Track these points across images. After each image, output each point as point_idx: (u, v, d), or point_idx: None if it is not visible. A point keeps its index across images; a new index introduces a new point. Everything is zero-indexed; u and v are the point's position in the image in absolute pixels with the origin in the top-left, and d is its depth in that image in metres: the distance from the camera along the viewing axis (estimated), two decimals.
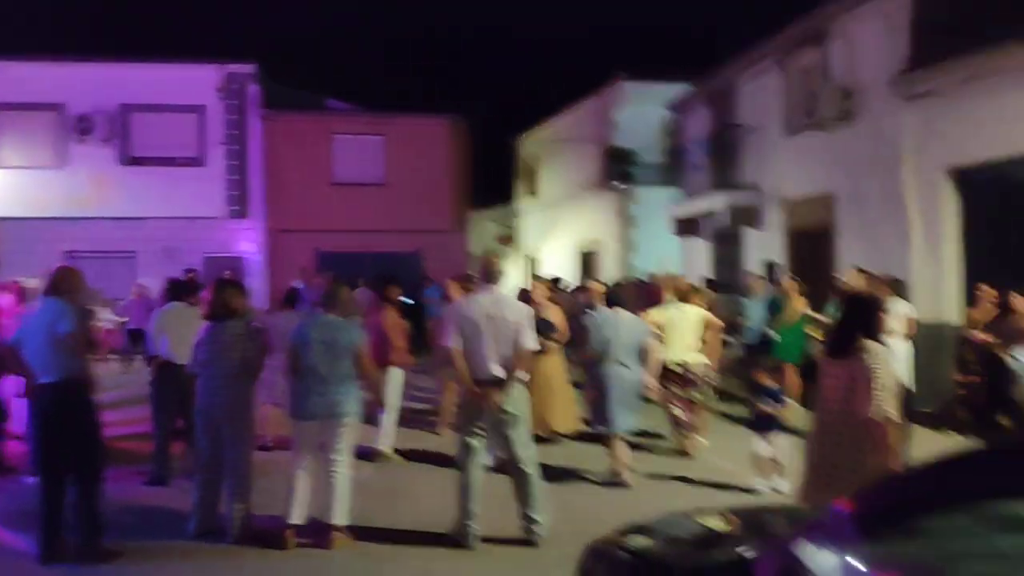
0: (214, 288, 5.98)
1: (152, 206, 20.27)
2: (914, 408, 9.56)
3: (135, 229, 20.25)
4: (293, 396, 5.75)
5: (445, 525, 5.89)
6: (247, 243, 21.18)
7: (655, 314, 8.48)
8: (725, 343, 13.20)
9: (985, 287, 9.52)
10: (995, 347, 8.96)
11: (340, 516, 5.69)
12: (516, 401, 5.79)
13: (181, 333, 7.03)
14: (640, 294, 15.85)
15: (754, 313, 12.11)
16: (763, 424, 7.10)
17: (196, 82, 20.65)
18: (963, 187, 10.67)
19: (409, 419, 9.57)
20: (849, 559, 1.80)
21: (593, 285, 9.52)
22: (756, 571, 1.92)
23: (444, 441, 8.87)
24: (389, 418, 8.33)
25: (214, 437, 5.77)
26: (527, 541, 5.75)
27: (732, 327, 12.78)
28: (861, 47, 12.38)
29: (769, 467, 7.03)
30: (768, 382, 7.11)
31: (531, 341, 5.85)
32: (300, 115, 22.04)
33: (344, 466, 5.75)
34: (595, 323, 7.57)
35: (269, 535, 5.68)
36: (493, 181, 30.84)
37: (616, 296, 7.97)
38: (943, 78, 10.50)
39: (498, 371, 5.67)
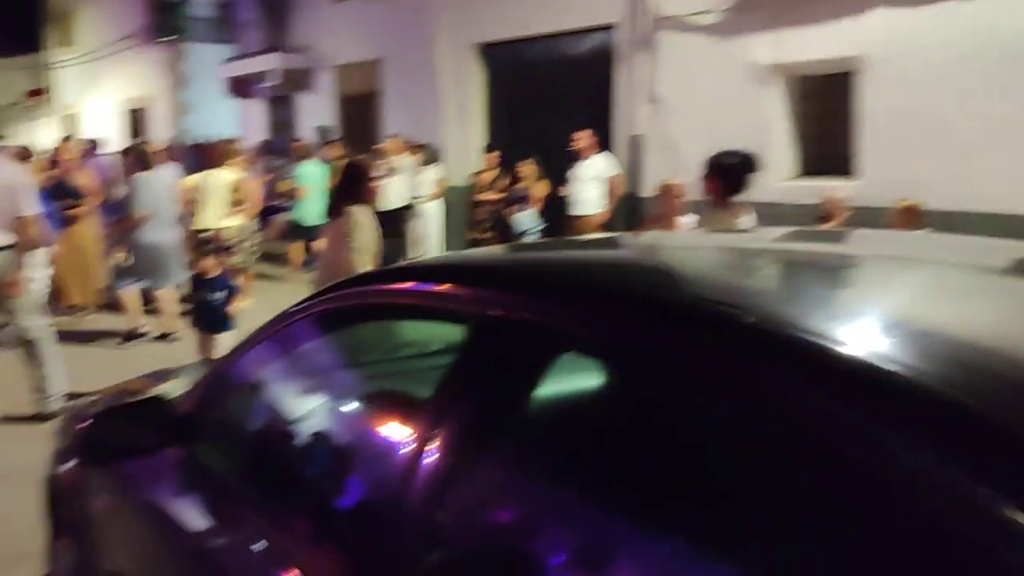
0: None
1: None
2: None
3: None
4: None
5: None
6: None
7: (187, 180, 8.32)
8: (279, 209, 13.37)
9: (489, 155, 10.85)
10: (499, 208, 10.32)
11: None
12: (9, 269, 5.44)
13: None
14: (199, 156, 15.22)
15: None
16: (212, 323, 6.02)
17: None
18: (487, 63, 11.80)
19: None
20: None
21: (152, 147, 8.97)
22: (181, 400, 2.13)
23: None
24: None
25: None
26: (40, 415, 5.53)
27: (287, 192, 12.93)
28: None
29: None
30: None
31: (31, 206, 5.47)
32: None
33: None
34: (134, 186, 7.40)
35: None
36: (18, 26, 26.57)
37: (145, 157, 7.68)
38: None
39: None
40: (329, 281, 4.41)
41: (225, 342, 5.72)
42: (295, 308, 1.96)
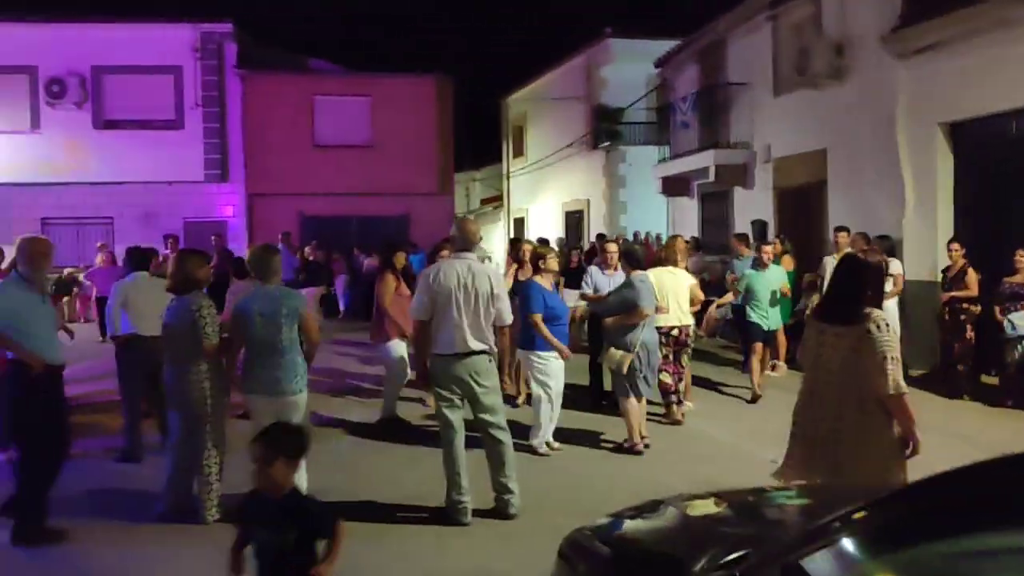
0: (176, 258, 5.61)
1: (129, 170, 19.85)
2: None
3: (112, 194, 19.84)
4: (243, 370, 5.45)
5: (434, 500, 5.67)
6: (227, 207, 20.80)
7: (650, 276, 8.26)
8: (712, 304, 13.07)
9: (955, 245, 9.40)
10: (972, 306, 8.91)
11: None
12: (489, 373, 5.55)
13: (144, 305, 6.82)
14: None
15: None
16: None
17: (171, 42, 20.11)
18: (957, 142, 10.44)
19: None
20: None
21: (608, 246, 8.83)
22: None
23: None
24: (393, 390, 8.13)
25: (187, 415, 5.51)
26: (501, 514, 5.54)
27: (719, 288, 12.59)
28: (853, 2, 12.04)
29: None
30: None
31: (508, 313, 5.62)
32: (280, 76, 21.48)
33: None
34: (636, 285, 7.06)
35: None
36: (479, 142, 30.48)
37: (637, 257, 7.47)
38: (938, 33, 10.20)
39: (474, 343, 5.40)
40: (841, 398, 3.88)
41: None
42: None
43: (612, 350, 7.01)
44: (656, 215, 19.82)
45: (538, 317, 6.86)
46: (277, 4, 40.87)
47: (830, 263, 10.26)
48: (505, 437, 5.57)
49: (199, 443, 5.46)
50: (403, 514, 5.69)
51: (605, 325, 7.25)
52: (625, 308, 7.00)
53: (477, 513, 5.51)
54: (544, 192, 26.29)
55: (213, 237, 17.45)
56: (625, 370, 6.93)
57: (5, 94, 19.62)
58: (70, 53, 19.69)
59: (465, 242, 5.55)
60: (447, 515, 5.47)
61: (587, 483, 6.29)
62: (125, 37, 19.85)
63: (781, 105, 14.00)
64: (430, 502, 5.73)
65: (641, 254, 7.70)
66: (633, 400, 7.07)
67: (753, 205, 15.01)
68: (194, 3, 27.21)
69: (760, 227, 14.48)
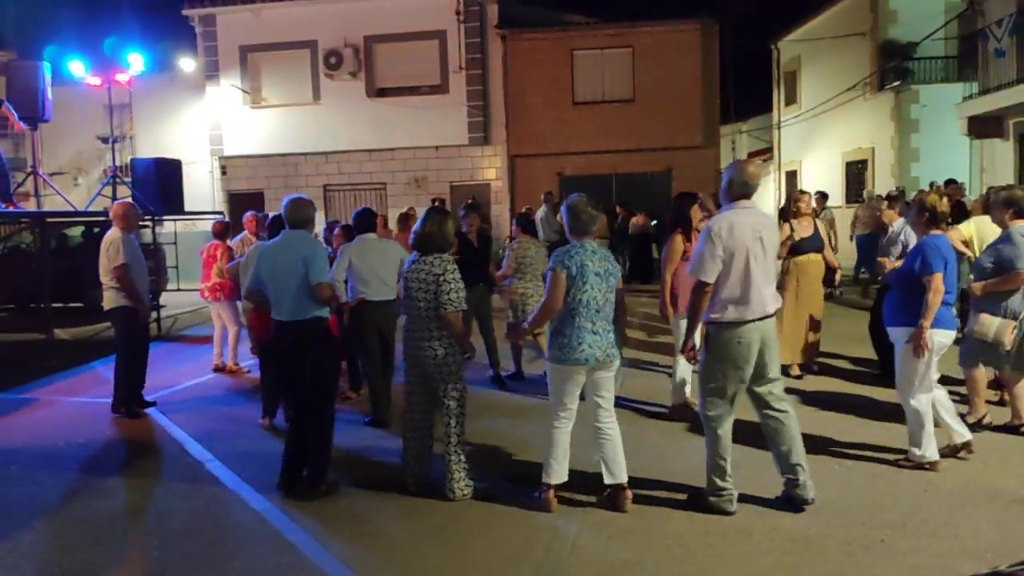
0: (424, 217, 5.18)
1: (399, 137, 20.55)
2: None
3: (384, 160, 20.67)
4: (558, 337, 4.76)
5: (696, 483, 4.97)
6: (491, 170, 20.93)
7: (962, 229, 6.84)
8: None
9: None
10: None
11: (624, 472, 4.84)
12: (776, 338, 4.78)
13: (369, 267, 6.75)
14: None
15: None
16: None
17: (436, 7, 20.41)
18: None
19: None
20: None
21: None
22: None
23: None
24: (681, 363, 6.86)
25: (423, 382, 5.15)
26: (796, 499, 4.71)
27: None
28: None
29: None
30: None
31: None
32: (540, 33, 21.11)
33: (614, 415, 4.89)
34: (1017, 241, 5.75)
35: (486, 493, 5.11)
36: (746, 91, 28.46)
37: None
38: None
39: (771, 305, 4.62)
40: None
41: None
42: None
43: (986, 317, 5.79)
44: (957, 163, 17.29)
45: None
46: None
47: None
48: (791, 409, 4.79)
49: (451, 412, 5.07)
50: (660, 493, 5.03)
51: (972, 289, 5.93)
52: (1000, 269, 5.72)
53: (757, 503, 4.76)
54: (819, 142, 24.02)
55: (470, 199, 17.65)
56: (1008, 341, 5.70)
57: (292, 69, 20.98)
58: (345, 25, 20.61)
59: (746, 187, 4.68)
60: (706, 503, 4.76)
61: (890, 486, 5.17)
62: (394, 5, 20.43)
63: None
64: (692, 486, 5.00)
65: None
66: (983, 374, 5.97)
67: None
68: None
69: None
